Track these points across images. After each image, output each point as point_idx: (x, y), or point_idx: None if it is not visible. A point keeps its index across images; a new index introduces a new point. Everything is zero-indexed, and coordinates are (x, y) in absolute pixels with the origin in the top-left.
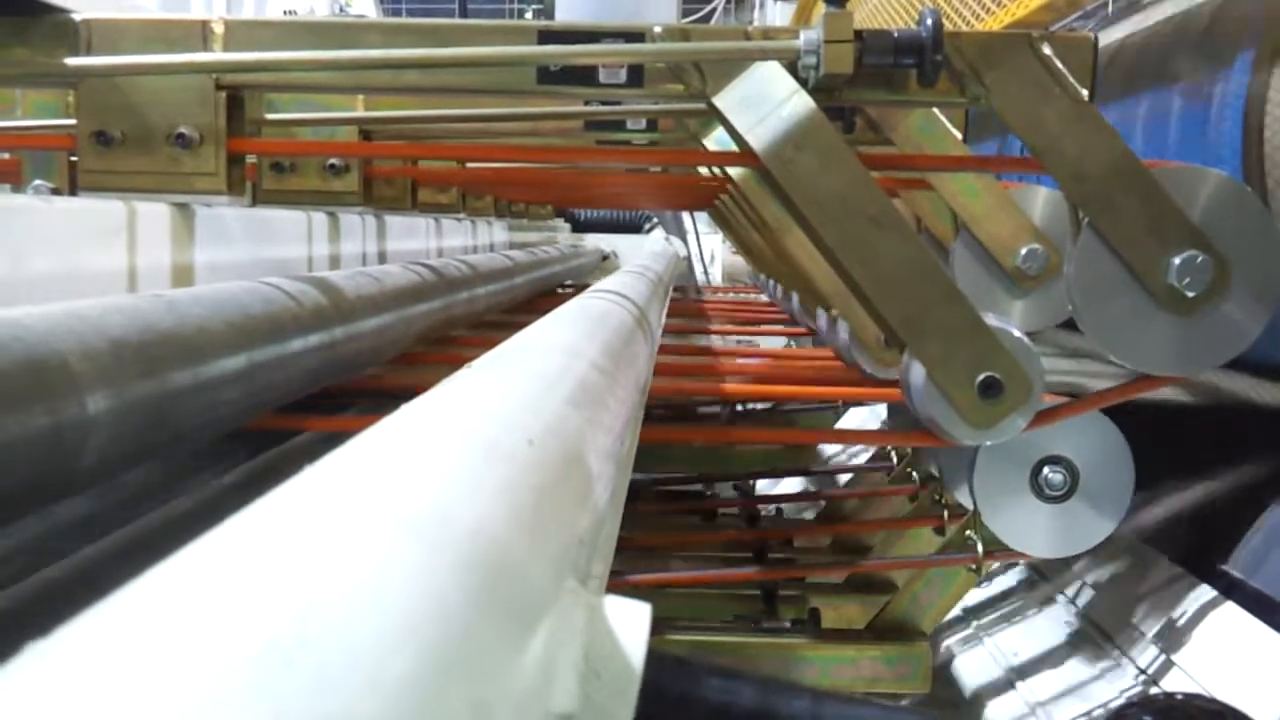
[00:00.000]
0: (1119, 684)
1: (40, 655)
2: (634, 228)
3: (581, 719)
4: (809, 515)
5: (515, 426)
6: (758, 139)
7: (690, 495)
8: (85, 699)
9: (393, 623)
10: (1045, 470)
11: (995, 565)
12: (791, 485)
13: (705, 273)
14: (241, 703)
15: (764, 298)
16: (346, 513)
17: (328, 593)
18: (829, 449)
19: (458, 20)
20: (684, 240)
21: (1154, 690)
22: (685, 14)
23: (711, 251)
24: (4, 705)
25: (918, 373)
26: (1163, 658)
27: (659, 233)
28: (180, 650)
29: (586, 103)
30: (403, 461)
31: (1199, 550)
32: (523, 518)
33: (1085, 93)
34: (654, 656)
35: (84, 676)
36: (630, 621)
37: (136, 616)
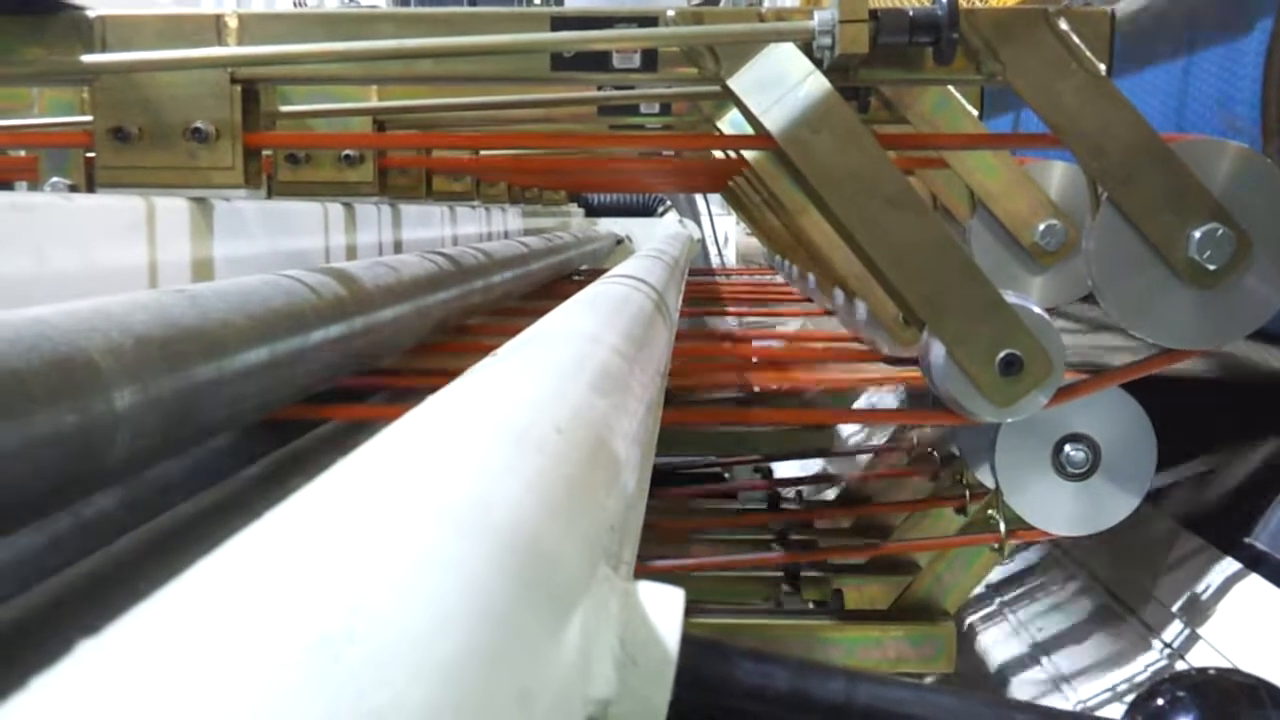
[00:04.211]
0: (1145, 659)
1: (93, 652)
2: (647, 211)
3: (619, 705)
4: (829, 496)
5: (543, 414)
6: (773, 121)
7: (709, 479)
8: (141, 698)
9: (438, 615)
10: (1067, 448)
11: (1017, 544)
12: (811, 467)
13: (720, 255)
14: (295, 698)
15: (779, 279)
16: (386, 505)
17: (373, 586)
18: (847, 429)
19: (470, 9)
20: (697, 223)
21: (1180, 664)
22: None
23: (725, 233)
24: (66, 703)
25: (937, 351)
26: (1188, 632)
27: (672, 216)
28: (233, 649)
29: (600, 88)
30: (437, 452)
31: (1223, 524)
32: (555, 505)
33: (1103, 67)
34: (688, 640)
35: (137, 675)
36: (664, 606)
37: (186, 615)
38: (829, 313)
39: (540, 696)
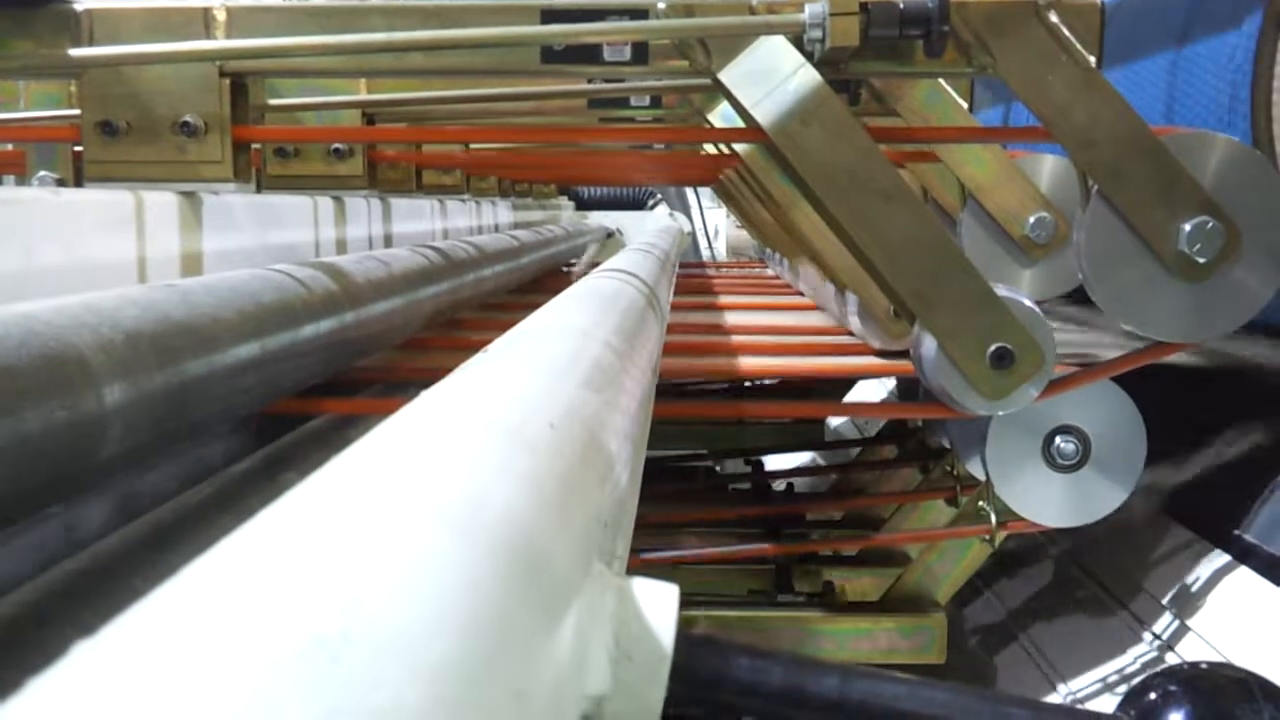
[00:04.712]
0: (1135, 651)
1: (88, 655)
2: (638, 204)
3: (615, 701)
4: (820, 489)
5: (536, 410)
6: (764, 114)
7: (700, 471)
8: (140, 704)
9: (435, 615)
10: (1057, 440)
11: (1008, 535)
12: (802, 459)
13: (710, 248)
14: (294, 699)
15: (770, 272)
16: (381, 504)
17: (369, 587)
18: (838, 422)
19: (460, 1)
20: (688, 215)
21: (1170, 657)
22: None
23: (716, 226)
24: (61, 708)
25: (929, 345)
26: (1178, 624)
27: (663, 209)
28: (233, 652)
29: (590, 81)
30: (431, 449)
31: (1213, 516)
32: (549, 502)
33: (1093, 59)
34: (683, 636)
35: (134, 680)
36: (659, 603)
37: (180, 618)
38: (820, 306)
39: (536, 694)
